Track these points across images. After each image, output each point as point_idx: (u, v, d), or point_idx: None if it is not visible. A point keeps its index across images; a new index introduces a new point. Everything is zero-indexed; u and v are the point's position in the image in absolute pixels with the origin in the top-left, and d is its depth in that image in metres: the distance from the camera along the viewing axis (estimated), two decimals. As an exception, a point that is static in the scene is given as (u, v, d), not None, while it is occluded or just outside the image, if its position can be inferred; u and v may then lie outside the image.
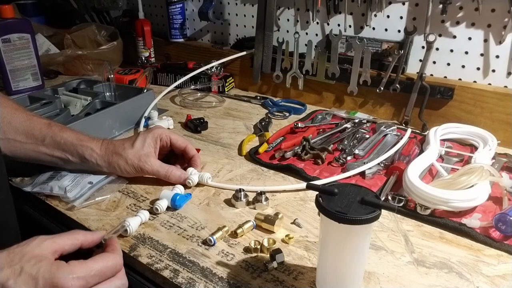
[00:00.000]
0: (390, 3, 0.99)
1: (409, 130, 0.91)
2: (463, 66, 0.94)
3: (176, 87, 1.21)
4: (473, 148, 0.85)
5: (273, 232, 0.63)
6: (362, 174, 0.77)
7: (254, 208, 0.69)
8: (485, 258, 0.58)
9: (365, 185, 0.71)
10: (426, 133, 0.90)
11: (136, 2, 1.37)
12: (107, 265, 0.48)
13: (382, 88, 0.99)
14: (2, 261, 0.45)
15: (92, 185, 0.73)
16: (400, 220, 0.66)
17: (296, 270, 0.56)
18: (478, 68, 0.92)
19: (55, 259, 0.47)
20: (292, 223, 0.65)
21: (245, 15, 1.26)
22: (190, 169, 0.77)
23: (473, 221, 0.62)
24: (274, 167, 0.82)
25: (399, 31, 1.00)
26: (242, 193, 0.70)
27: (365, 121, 0.98)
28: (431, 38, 0.92)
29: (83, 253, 0.51)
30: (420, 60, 0.96)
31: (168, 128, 1.00)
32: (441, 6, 0.90)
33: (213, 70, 1.21)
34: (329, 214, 0.45)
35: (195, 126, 0.99)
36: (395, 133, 0.92)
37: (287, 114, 1.08)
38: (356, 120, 0.98)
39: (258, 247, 0.59)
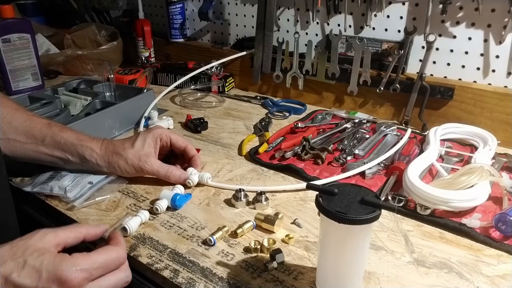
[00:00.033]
0: (390, 3, 0.99)
1: (409, 130, 0.91)
2: (463, 66, 0.94)
3: (176, 87, 1.21)
4: (473, 148, 0.85)
5: (273, 232, 0.63)
6: (362, 174, 0.77)
7: (254, 208, 0.69)
8: (485, 258, 0.58)
9: (365, 185, 0.71)
10: (426, 133, 0.90)
11: (136, 2, 1.37)
12: (111, 258, 0.48)
13: (382, 88, 0.99)
14: (5, 255, 0.45)
15: (92, 185, 0.73)
16: (400, 220, 0.66)
17: (296, 270, 0.56)
18: (478, 68, 0.92)
19: (58, 252, 0.47)
20: (292, 223, 0.65)
21: (245, 15, 1.26)
22: (190, 169, 0.77)
23: (473, 221, 0.62)
24: (274, 167, 0.82)
25: (399, 31, 1.00)
26: (242, 193, 0.70)
27: (365, 121, 0.98)
28: (431, 38, 0.92)
29: (86, 247, 0.51)
30: (420, 60, 0.96)
31: (168, 128, 1.00)
32: (441, 6, 0.90)
33: (213, 70, 1.21)
34: (329, 214, 0.45)
35: (195, 126, 0.99)
36: (395, 133, 0.92)
37: (287, 114, 1.08)
38: (356, 120, 0.98)
39: (258, 247, 0.59)
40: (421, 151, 0.81)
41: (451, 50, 0.95)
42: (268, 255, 0.58)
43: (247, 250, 0.60)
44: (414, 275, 0.55)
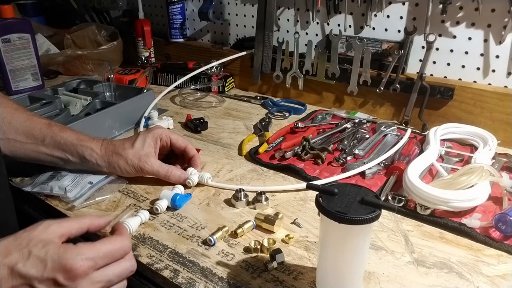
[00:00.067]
0: (390, 3, 0.99)
1: (409, 130, 0.91)
2: (463, 66, 0.94)
3: (176, 87, 1.21)
4: (473, 148, 0.85)
5: (273, 232, 0.63)
6: (362, 174, 0.77)
7: (254, 208, 0.69)
8: (485, 258, 0.58)
9: (365, 185, 0.70)
10: (426, 133, 0.90)
11: (136, 2, 1.37)
12: (115, 247, 0.49)
13: (382, 88, 0.99)
14: (10, 246, 0.45)
15: (92, 185, 0.73)
16: (400, 220, 0.66)
17: (296, 270, 0.56)
18: (478, 68, 0.92)
19: (62, 243, 0.47)
20: (292, 223, 0.65)
21: (245, 15, 1.26)
22: (190, 169, 0.77)
23: (473, 221, 0.62)
24: (274, 167, 0.82)
25: (399, 31, 1.00)
26: (242, 193, 0.70)
27: (365, 121, 0.97)
28: (431, 38, 0.92)
29: (90, 238, 0.51)
30: (420, 60, 0.96)
31: (168, 128, 1.00)
32: (441, 6, 0.90)
33: (213, 70, 1.21)
34: (329, 214, 0.45)
35: (195, 126, 0.99)
36: (395, 133, 0.92)
37: (287, 114, 1.08)
38: (356, 120, 0.98)
39: (258, 247, 0.59)
40: (421, 151, 0.81)
41: (451, 50, 0.95)
42: (268, 255, 0.58)
43: (247, 250, 0.60)
44: (414, 275, 0.55)
